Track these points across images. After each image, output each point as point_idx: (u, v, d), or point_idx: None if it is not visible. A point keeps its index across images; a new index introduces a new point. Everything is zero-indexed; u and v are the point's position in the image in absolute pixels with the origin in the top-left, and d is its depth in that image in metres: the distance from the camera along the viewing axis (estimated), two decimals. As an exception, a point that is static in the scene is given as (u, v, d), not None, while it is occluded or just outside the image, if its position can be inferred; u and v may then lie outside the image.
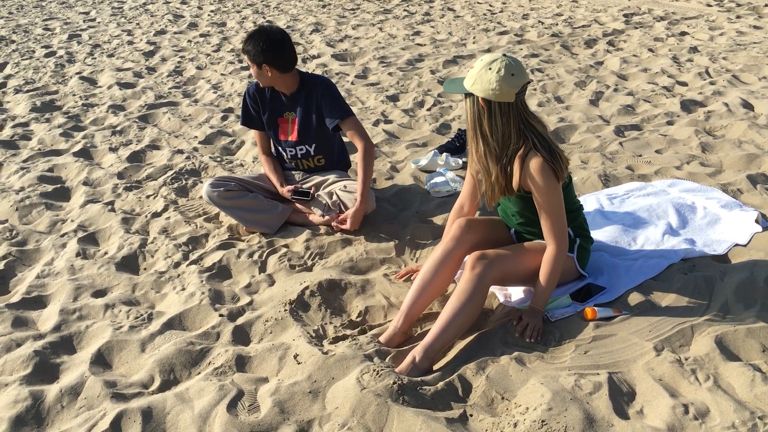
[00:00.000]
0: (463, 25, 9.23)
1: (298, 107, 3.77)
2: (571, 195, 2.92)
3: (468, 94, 2.65)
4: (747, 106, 5.41)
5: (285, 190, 3.79)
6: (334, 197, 3.74)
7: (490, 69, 2.57)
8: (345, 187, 3.77)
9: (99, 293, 3.26)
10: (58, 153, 5.12)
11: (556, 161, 2.64)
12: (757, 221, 3.47)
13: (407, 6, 10.77)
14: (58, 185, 4.54)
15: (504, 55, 2.63)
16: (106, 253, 3.66)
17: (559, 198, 2.70)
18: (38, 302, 3.23)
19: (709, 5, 9.82)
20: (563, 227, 2.73)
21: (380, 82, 6.68)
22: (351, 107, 3.86)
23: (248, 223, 3.73)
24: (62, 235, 3.83)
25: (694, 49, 7.33)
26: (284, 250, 3.56)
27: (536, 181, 2.65)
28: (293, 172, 4.00)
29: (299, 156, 3.89)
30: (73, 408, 2.48)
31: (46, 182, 4.58)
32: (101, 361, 2.74)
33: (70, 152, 5.08)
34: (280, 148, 3.93)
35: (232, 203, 3.71)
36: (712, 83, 6.10)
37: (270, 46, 3.54)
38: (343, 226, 3.65)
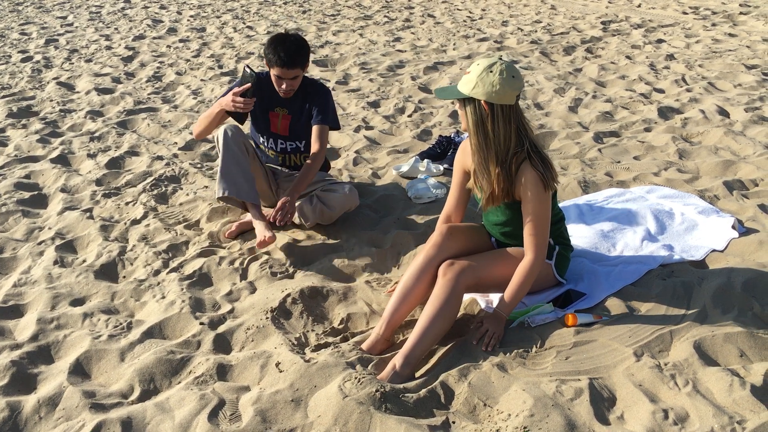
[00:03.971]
0: (444, 31, 9.27)
1: (294, 107, 3.75)
2: (555, 206, 2.95)
3: (467, 100, 2.66)
4: (723, 113, 5.49)
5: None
6: (315, 200, 3.72)
7: (491, 72, 2.59)
8: (324, 187, 3.77)
9: (77, 302, 3.23)
10: (35, 159, 5.06)
11: (548, 171, 2.68)
12: (733, 227, 3.51)
13: (388, 12, 10.80)
14: (35, 192, 4.48)
15: (500, 57, 2.64)
16: (84, 261, 3.62)
17: (547, 210, 2.73)
18: (15, 311, 3.18)
19: (685, 13, 9.96)
20: (545, 239, 2.75)
21: (361, 89, 6.69)
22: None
23: (227, 177, 3.58)
24: (39, 243, 3.78)
25: (670, 57, 7.43)
26: (265, 257, 3.55)
27: (529, 191, 2.68)
28: (279, 168, 3.96)
29: (288, 150, 3.88)
30: (51, 419, 2.44)
31: (23, 189, 4.51)
32: (80, 371, 2.71)
33: (48, 159, 5.02)
34: (265, 139, 3.87)
35: (238, 154, 3.59)
36: (688, 90, 6.18)
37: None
38: (285, 212, 3.48)
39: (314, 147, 3.69)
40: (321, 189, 3.78)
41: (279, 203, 3.50)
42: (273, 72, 3.58)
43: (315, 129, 3.71)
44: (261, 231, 3.51)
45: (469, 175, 2.91)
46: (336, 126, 3.78)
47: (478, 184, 2.83)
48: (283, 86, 3.60)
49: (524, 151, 2.69)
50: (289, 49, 3.50)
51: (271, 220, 3.52)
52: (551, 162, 2.74)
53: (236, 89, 3.51)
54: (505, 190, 2.75)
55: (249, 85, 3.48)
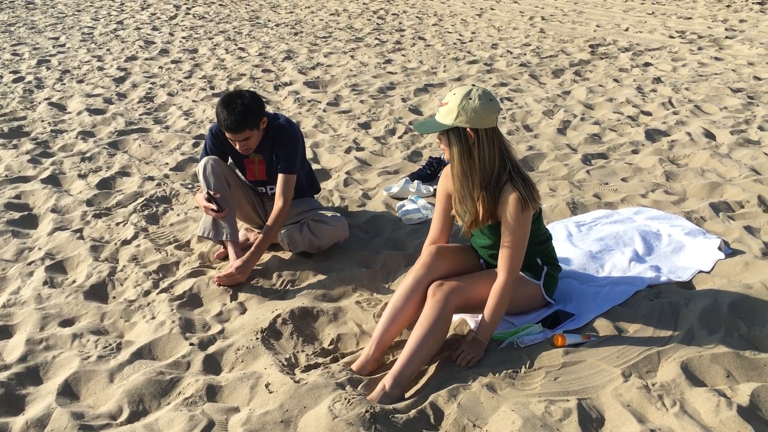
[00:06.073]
0: (434, 53, 9.36)
1: (264, 151, 3.69)
2: (541, 226, 2.98)
3: (450, 130, 2.68)
4: (709, 135, 5.57)
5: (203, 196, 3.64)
6: (305, 229, 3.72)
7: (470, 99, 2.63)
8: (315, 217, 3.76)
9: (66, 322, 3.22)
10: (25, 179, 5.06)
11: (529, 191, 2.71)
12: (719, 248, 3.55)
13: (379, 35, 10.90)
14: (26, 212, 4.48)
15: (473, 85, 2.70)
16: (74, 281, 3.61)
17: (526, 232, 2.76)
18: (4, 332, 3.17)
19: (671, 37, 10.11)
20: (519, 261, 2.78)
21: (352, 110, 6.74)
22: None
23: (206, 216, 3.62)
24: (29, 264, 3.77)
25: (657, 80, 7.53)
26: (256, 277, 3.55)
27: (510, 213, 2.70)
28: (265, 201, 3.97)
29: (270, 194, 3.88)
30: (38, 441, 2.43)
31: (13, 209, 4.51)
32: (68, 392, 2.70)
33: (38, 179, 5.02)
34: (248, 184, 3.90)
35: (219, 188, 3.59)
36: (675, 113, 6.26)
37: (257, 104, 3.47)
38: (233, 278, 3.47)
39: (278, 202, 3.59)
40: (312, 218, 3.75)
41: (230, 269, 3.44)
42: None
43: (280, 178, 3.61)
44: (229, 266, 3.50)
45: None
46: (296, 171, 3.65)
47: (461, 210, 2.85)
48: (237, 147, 3.51)
49: (507, 172, 2.73)
50: (233, 112, 3.36)
51: (216, 280, 3.46)
52: (533, 182, 2.77)
53: (206, 204, 3.56)
54: (489, 212, 2.78)
55: (217, 198, 3.58)
